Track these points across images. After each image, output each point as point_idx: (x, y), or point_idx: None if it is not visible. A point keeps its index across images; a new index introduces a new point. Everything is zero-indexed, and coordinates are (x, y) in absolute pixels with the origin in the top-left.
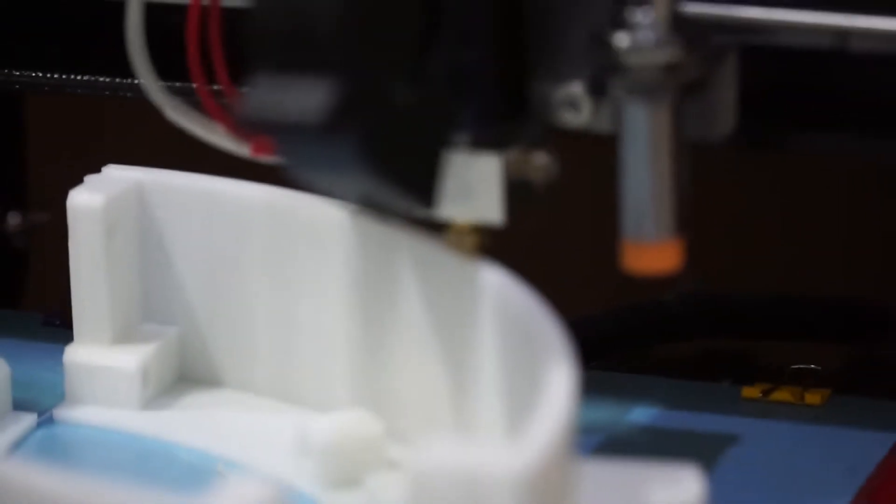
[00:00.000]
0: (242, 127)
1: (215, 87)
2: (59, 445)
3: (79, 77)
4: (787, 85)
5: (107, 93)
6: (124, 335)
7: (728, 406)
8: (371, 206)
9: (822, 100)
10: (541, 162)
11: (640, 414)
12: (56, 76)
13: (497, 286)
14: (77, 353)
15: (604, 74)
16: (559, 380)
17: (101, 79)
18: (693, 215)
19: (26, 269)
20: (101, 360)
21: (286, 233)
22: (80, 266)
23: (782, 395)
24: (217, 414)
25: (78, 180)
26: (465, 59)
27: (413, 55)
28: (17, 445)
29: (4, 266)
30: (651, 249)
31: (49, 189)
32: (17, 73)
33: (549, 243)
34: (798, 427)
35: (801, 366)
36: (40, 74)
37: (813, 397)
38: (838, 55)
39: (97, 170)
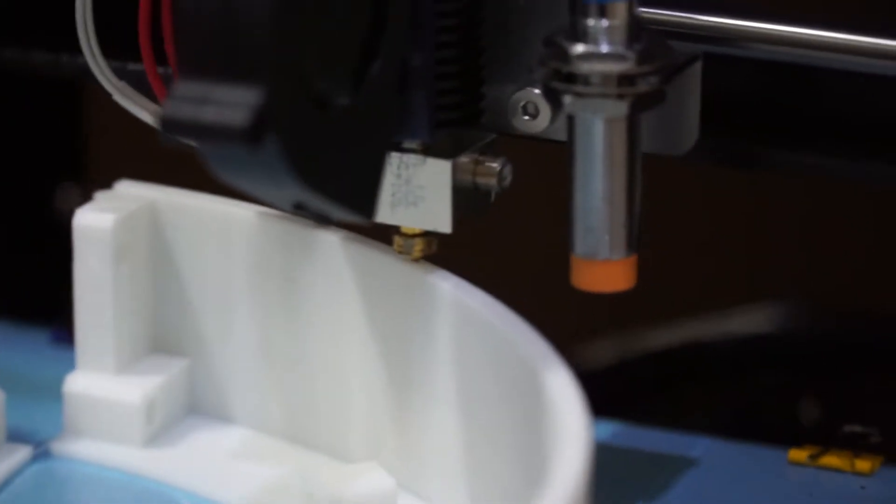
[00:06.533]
0: (165, 134)
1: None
2: (53, 482)
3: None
4: (757, 98)
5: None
6: (130, 365)
7: (772, 469)
8: (307, 214)
9: (796, 115)
10: (494, 168)
11: (673, 476)
12: (116, 63)
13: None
14: (78, 383)
15: (557, 82)
16: (571, 437)
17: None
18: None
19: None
20: (104, 391)
21: (304, 264)
22: (85, 291)
23: (831, 460)
24: (224, 455)
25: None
26: (413, 62)
27: (354, 59)
28: (9, 481)
29: (49, 257)
30: (604, 267)
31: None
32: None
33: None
34: (843, 498)
35: (856, 427)
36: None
37: (863, 464)
38: (809, 68)
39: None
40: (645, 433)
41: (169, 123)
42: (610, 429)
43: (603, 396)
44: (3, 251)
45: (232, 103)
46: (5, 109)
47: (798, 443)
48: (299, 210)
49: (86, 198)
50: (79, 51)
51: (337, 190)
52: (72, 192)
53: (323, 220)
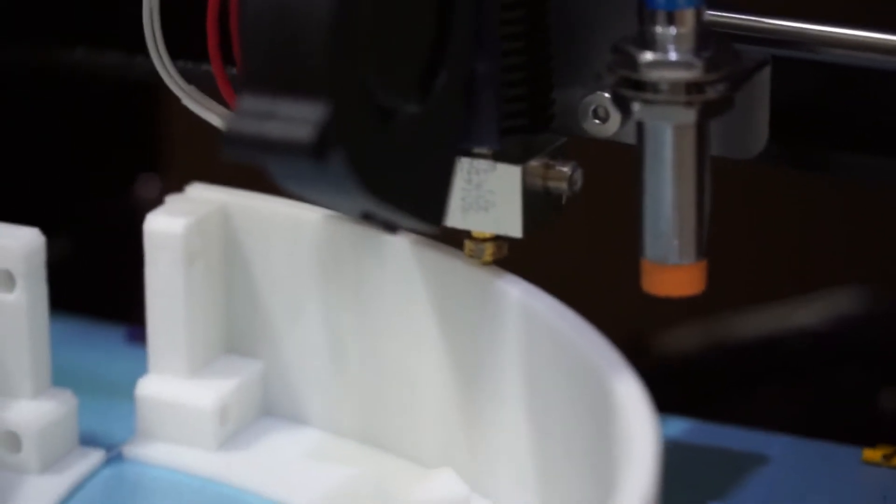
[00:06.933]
0: (228, 154)
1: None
2: (126, 486)
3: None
4: (827, 101)
5: None
6: (202, 368)
7: (845, 469)
8: (375, 222)
9: (865, 119)
10: (565, 173)
11: (745, 474)
12: (190, 63)
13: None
14: (150, 386)
15: (625, 89)
16: (640, 444)
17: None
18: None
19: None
20: (176, 395)
21: (374, 266)
22: (157, 295)
23: None
24: (297, 458)
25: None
26: (479, 70)
27: (419, 68)
28: (82, 485)
29: (126, 254)
30: (673, 272)
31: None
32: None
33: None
34: None
35: None
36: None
37: None
38: (873, 70)
39: None
40: (717, 430)
41: (233, 138)
42: (683, 426)
43: (676, 392)
44: (81, 248)
45: (296, 118)
46: (83, 110)
47: (876, 440)
48: (367, 219)
49: (164, 194)
50: None
51: (405, 199)
52: (152, 186)
53: (391, 229)
